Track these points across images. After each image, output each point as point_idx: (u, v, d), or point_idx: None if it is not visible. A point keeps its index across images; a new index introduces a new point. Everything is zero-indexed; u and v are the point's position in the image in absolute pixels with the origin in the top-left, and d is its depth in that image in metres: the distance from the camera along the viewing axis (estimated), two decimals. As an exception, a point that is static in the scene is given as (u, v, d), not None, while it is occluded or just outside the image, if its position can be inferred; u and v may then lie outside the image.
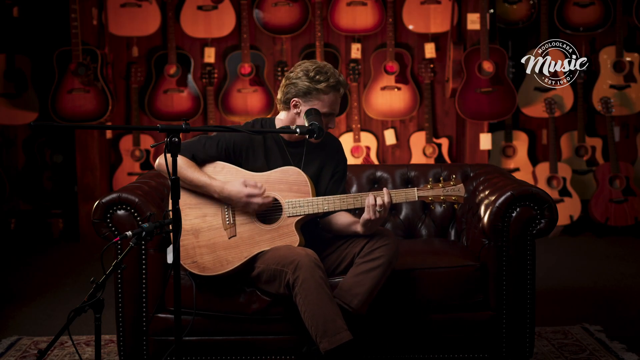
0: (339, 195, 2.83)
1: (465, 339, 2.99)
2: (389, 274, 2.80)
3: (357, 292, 2.76)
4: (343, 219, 2.97)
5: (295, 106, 2.91)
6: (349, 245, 2.91)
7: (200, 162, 2.92)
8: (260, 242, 2.86)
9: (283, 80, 2.94)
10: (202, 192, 2.88)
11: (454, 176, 2.81)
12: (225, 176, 2.89)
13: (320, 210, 2.83)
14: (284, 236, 2.84)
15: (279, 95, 2.96)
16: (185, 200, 2.90)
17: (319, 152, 2.99)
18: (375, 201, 2.76)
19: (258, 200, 2.81)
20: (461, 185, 2.78)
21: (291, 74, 2.91)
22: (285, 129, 2.83)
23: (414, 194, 2.79)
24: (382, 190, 2.80)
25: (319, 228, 3.08)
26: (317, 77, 2.86)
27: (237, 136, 2.92)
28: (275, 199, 2.86)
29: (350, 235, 2.93)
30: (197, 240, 2.88)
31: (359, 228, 2.88)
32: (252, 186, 2.81)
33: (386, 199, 2.77)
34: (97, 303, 2.39)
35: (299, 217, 2.84)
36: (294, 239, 2.83)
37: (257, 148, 2.95)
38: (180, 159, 2.84)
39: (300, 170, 2.87)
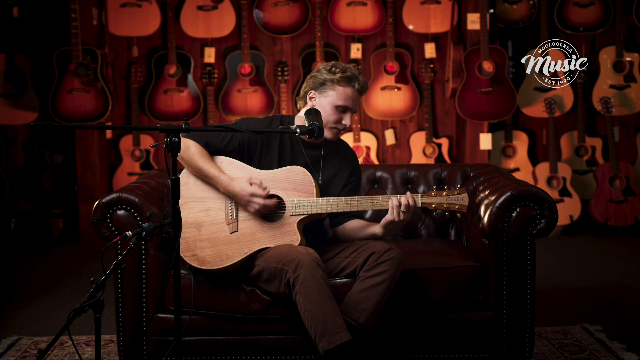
0: (342, 197, 2.83)
1: (465, 339, 2.99)
2: (393, 287, 2.80)
3: (364, 307, 2.75)
4: (353, 223, 2.98)
5: (312, 99, 2.94)
6: (350, 253, 2.90)
7: (213, 150, 2.93)
8: (262, 239, 2.86)
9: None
10: (208, 183, 2.89)
11: (458, 185, 2.80)
12: (232, 172, 2.90)
13: (324, 211, 2.83)
14: (285, 234, 2.84)
15: (300, 93, 3.00)
16: (191, 193, 2.91)
17: (336, 157, 3.02)
18: (400, 202, 2.77)
19: (259, 200, 2.81)
20: (465, 194, 2.77)
21: (313, 71, 2.96)
22: (285, 129, 2.83)
23: (417, 199, 2.79)
24: (384, 193, 2.80)
25: (321, 231, 3.08)
26: (334, 69, 2.90)
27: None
28: (279, 197, 2.87)
29: (364, 238, 2.93)
30: (199, 233, 2.89)
31: (377, 230, 2.88)
32: (258, 185, 2.82)
33: (411, 202, 2.77)
34: (97, 303, 2.39)
35: (302, 217, 2.84)
36: (295, 237, 2.83)
37: (272, 144, 2.97)
38: (195, 147, 2.88)
39: (306, 171, 2.87)
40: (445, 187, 2.83)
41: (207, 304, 2.93)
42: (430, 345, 2.99)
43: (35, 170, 6.06)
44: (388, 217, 2.81)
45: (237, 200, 2.86)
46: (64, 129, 6.23)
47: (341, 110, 2.90)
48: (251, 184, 2.82)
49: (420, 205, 2.79)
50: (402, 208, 2.77)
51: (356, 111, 2.96)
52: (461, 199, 2.77)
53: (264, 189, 2.82)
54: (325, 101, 2.90)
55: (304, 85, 2.97)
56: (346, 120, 2.91)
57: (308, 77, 2.97)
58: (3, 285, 4.59)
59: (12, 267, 5.15)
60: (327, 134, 2.93)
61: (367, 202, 2.82)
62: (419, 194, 2.80)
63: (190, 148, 2.87)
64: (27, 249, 5.71)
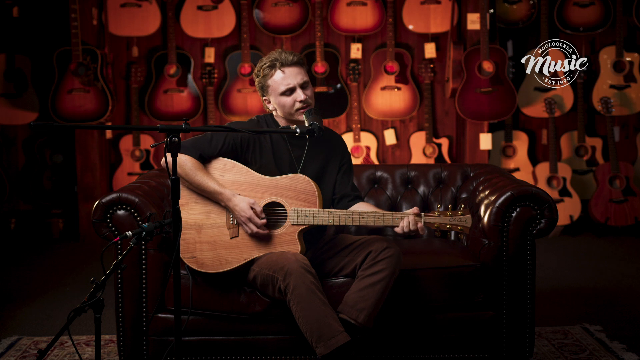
0: (344, 211, 2.81)
1: (465, 338, 2.99)
2: (392, 285, 2.79)
3: (363, 306, 2.74)
4: (358, 207, 2.97)
5: (269, 103, 2.98)
6: (350, 252, 2.90)
7: (208, 158, 2.91)
8: (261, 246, 2.85)
9: None
10: (207, 197, 2.88)
11: (462, 205, 2.78)
12: (235, 176, 2.89)
13: (325, 223, 2.81)
14: (285, 243, 2.83)
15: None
16: (192, 194, 2.90)
17: (323, 145, 3.00)
18: (409, 226, 2.73)
19: (253, 228, 2.81)
20: (469, 216, 2.73)
21: (254, 77, 3.02)
22: (286, 129, 2.84)
23: (421, 222, 2.75)
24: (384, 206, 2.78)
25: (321, 230, 3.08)
26: (258, 71, 2.95)
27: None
28: (281, 205, 2.86)
29: (371, 229, 2.94)
30: (199, 235, 2.88)
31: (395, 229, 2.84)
32: (258, 212, 2.81)
33: (414, 226, 2.73)
34: (97, 303, 2.39)
35: (303, 227, 2.83)
36: (295, 247, 2.82)
37: (265, 143, 2.96)
38: (190, 161, 2.85)
39: (309, 179, 2.86)
40: (450, 206, 2.81)
41: (208, 305, 2.93)
42: (430, 345, 2.99)
43: (35, 170, 6.06)
44: (398, 230, 2.79)
45: (234, 216, 2.86)
46: (64, 129, 6.22)
47: (289, 93, 2.90)
48: (252, 208, 2.81)
49: (422, 224, 2.75)
50: (410, 231, 2.75)
51: (305, 81, 2.91)
52: (464, 220, 2.73)
53: (262, 218, 2.81)
54: (274, 96, 2.93)
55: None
56: (299, 96, 2.89)
57: (256, 87, 3.02)
58: (3, 285, 4.59)
59: (12, 267, 5.15)
60: (300, 118, 2.90)
61: (368, 218, 2.79)
62: (423, 213, 2.76)
63: (186, 163, 2.83)
64: (27, 249, 5.71)
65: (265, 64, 2.92)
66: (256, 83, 2.98)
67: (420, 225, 2.74)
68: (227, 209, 2.87)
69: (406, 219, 2.74)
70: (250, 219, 2.81)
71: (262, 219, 2.82)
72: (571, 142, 6.05)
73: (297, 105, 2.89)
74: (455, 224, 2.73)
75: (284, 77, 2.89)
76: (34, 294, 4.38)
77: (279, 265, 2.73)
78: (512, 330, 3.00)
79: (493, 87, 5.52)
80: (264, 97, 2.98)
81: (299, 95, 2.89)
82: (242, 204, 2.82)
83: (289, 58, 2.90)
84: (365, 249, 2.83)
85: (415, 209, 2.77)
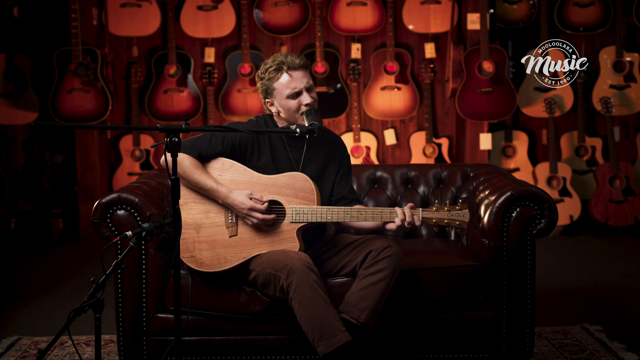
0: (342, 207, 2.82)
1: (465, 338, 2.99)
2: (393, 284, 2.79)
3: (364, 306, 2.74)
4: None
5: (271, 105, 2.97)
6: (350, 251, 2.90)
7: (206, 158, 2.92)
8: (260, 244, 2.85)
9: None
10: (206, 195, 2.88)
11: (460, 201, 2.78)
12: (233, 175, 2.89)
13: (323, 220, 2.82)
14: (284, 241, 2.83)
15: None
16: (191, 194, 2.91)
17: (322, 147, 3.01)
18: (405, 219, 2.74)
19: (258, 215, 2.81)
20: (466, 211, 2.74)
21: (257, 83, 3.00)
22: (286, 129, 2.84)
23: (418, 214, 2.77)
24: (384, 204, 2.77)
25: (321, 229, 3.08)
26: (263, 74, 2.94)
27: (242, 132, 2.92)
28: (279, 203, 2.86)
29: (364, 227, 2.93)
30: (198, 235, 2.89)
31: (390, 226, 2.86)
32: (257, 200, 2.82)
33: (416, 222, 2.74)
34: (97, 303, 2.39)
35: (301, 224, 2.84)
36: (294, 245, 2.83)
37: (263, 144, 2.96)
38: (188, 159, 2.86)
39: (307, 177, 2.86)
40: (447, 202, 2.81)
41: (208, 305, 2.93)
42: (430, 345, 2.99)
43: (35, 170, 6.06)
44: (391, 226, 2.79)
45: (236, 212, 2.86)
46: (64, 129, 6.22)
47: (294, 96, 2.90)
48: (251, 198, 2.82)
49: (420, 220, 2.76)
50: (406, 224, 2.76)
51: (311, 85, 2.93)
52: (462, 215, 2.74)
53: (263, 203, 2.82)
54: (280, 99, 2.92)
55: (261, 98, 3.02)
56: (305, 100, 2.90)
57: (258, 89, 3.01)
58: (3, 285, 4.59)
59: (12, 267, 5.16)
60: (304, 122, 2.89)
61: (367, 214, 2.80)
62: (420, 209, 2.77)
63: (183, 161, 2.85)
64: (27, 249, 5.71)
65: (271, 67, 2.92)
66: (259, 85, 2.97)
67: (416, 216, 2.74)
68: (225, 207, 2.87)
69: (400, 213, 2.74)
70: (252, 209, 2.80)
71: (264, 203, 2.81)
72: (571, 142, 6.05)
73: (303, 108, 2.90)
74: (453, 218, 2.74)
75: (291, 81, 2.90)
76: (34, 294, 4.38)
77: (281, 263, 2.73)
78: (512, 330, 3.00)
79: (493, 87, 5.52)
80: (267, 100, 2.97)
81: (305, 98, 2.90)
82: (240, 197, 2.82)
83: (296, 61, 2.91)
84: (365, 248, 2.83)
85: (409, 205, 2.78)
